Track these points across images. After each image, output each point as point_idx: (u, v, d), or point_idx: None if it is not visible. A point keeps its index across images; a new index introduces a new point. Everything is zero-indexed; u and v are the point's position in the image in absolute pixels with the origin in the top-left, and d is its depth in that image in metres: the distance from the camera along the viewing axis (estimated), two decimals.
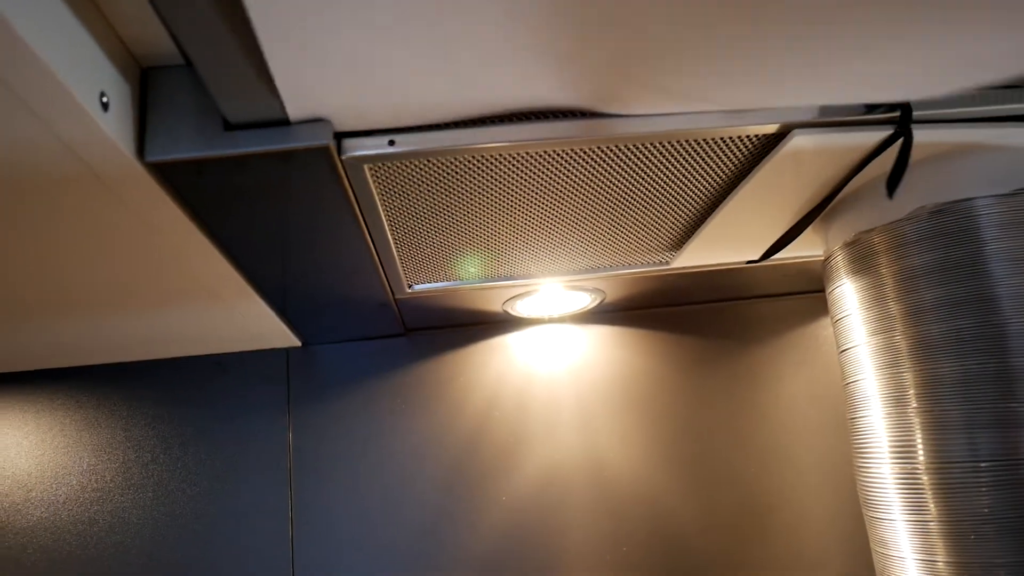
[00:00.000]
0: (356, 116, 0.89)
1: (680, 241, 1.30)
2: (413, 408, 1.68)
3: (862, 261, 1.13)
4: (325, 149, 0.89)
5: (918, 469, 1.04)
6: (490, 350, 1.71)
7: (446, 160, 0.99)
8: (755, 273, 1.54)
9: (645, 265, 1.41)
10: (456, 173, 1.02)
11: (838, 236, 1.18)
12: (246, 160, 0.89)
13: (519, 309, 1.61)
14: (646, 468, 1.66)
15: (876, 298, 1.11)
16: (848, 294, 1.16)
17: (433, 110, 0.90)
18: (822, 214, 1.18)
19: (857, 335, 1.14)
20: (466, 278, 1.16)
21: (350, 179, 0.99)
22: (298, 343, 1.69)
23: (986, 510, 0.99)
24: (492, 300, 1.55)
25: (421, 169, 1.01)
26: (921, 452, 1.04)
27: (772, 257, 1.39)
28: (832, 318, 1.23)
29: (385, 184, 1.04)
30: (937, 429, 1.03)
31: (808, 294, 1.76)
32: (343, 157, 0.93)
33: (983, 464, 1.00)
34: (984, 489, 1.00)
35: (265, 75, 0.78)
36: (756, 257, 1.39)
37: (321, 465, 1.64)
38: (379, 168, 0.99)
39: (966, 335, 1.02)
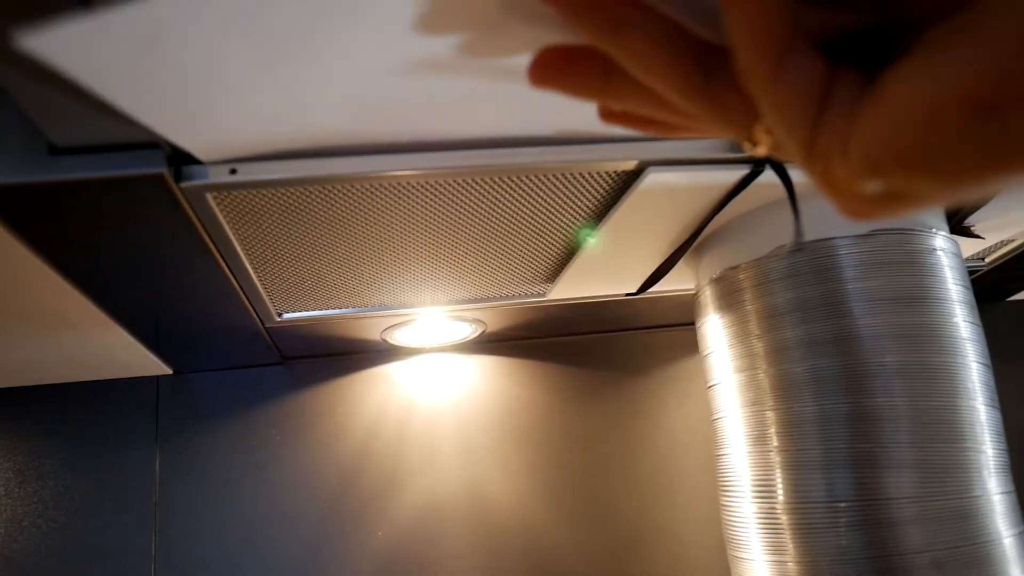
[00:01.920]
0: (202, 143, 0.84)
1: (554, 273, 1.28)
2: (290, 439, 1.62)
3: (729, 297, 1.13)
4: (159, 177, 0.84)
5: (777, 508, 1.03)
6: (370, 379, 1.67)
7: (298, 190, 0.95)
8: (637, 305, 1.53)
9: (522, 297, 1.38)
10: (312, 202, 0.98)
11: (706, 272, 1.18)
12: (75, 187, 0.84)
13: (399, 338, 1.57)
14: (527, 500, 1.63)
15: (741, 335, 1.11)
16: (715, 330, 1.16)
17: (285, 139, 0.86)
18: (691, 249, 1.18)
19: (722, 372, 1.14)
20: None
21: (194, 208, 0.94)
22: (169, 371, 1.62)
23: (843, 550, 0.99)
24: (370, 329, 1.51)
25: (273, 198, 0.97)
26: (781, 491, 1.03)
27: (650, 290, 1.38)
28: (701, 353, 1.23)
29: (235, 213, 0.99)
30: (796, 468, 1.02)
31: (691, 326, 1.76)
32: (182, 186, 0.88)
33: (841, 504, 1.00)
34: (842, 529, 0.99)
35: (92, 97, 0.73)
36: (634, 290, 1.38)
37: (190, 500, 1.57)
38: (225, 197, 0.94)
39: (825, 374, 1.02)
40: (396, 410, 1.65)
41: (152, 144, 0.83)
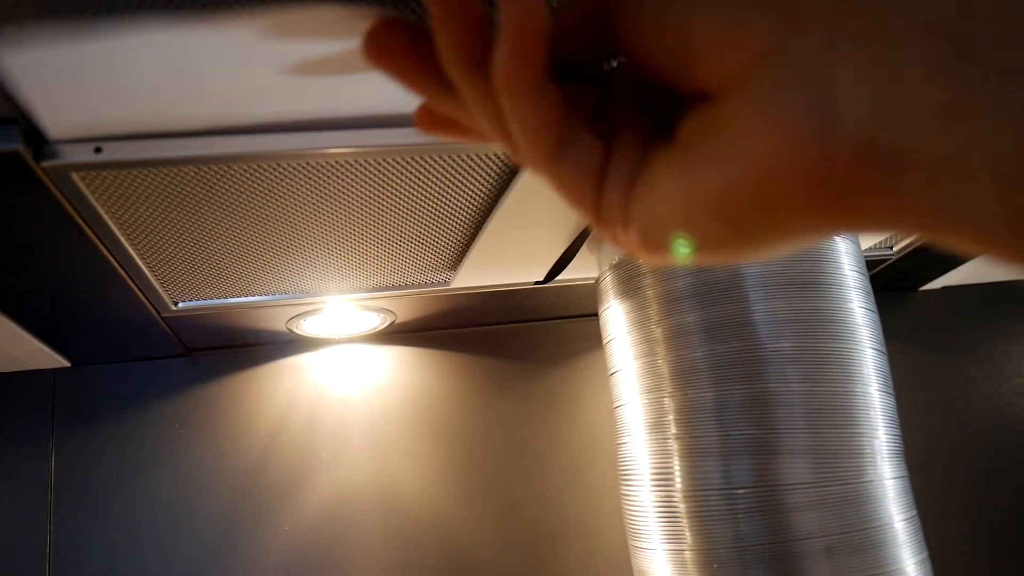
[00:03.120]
0: (65, 120, 0.79)
1: (456, 260, 1.25)
2: (194, 433, 1.56)
3: (629, 283, 1.12)
4: (15, 155, 0.80)
5: (675, 496, 1.02)
6: (279, 371, 1.62)
7: (176, 171, 0.91)
8: (547, 294, 1.51)
9: (428, 285, 1.35)
10: (193, 184, 0.94)
11: (607, 257, 1.16)
12: None
13: (306, 328, 1.53)
14: (439, 493, 1.60)
15: (641, 321, 1.09)
16: (616, 317, 1.14)
17: (155, 119, 0.81)
18: (591, 235, 1.16)
19: (622, 359, 1.12)
20: None
21: (60, 190, 0.89)
22: (66, 364, 1.55)
23: (740, 537, 0.98)
24: (275, 318, 1.46)
25: (150, 179, 0.92)
26: (678, 479, 1.02)
27: (560, 279, 1.36)
28: (603, 341, 1.21)
29: (110, 195, 0.94)
30: (693, 456, 1.01)
31: None
32: (44, 165, 0.83)
33: (738, 491, 0.99)
34: (739, 516, 0.99)
35: None
36: (541, 278, 1.36)
37: (88, 498, 1.51)
38: (94, 178, 0.90)
39: (722, 360, 1.01)
40: (305, 403, 1.61)
41: (7, 119, 0.78)
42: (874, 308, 1.07)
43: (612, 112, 0.31)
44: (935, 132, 0.21)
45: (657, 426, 1.05)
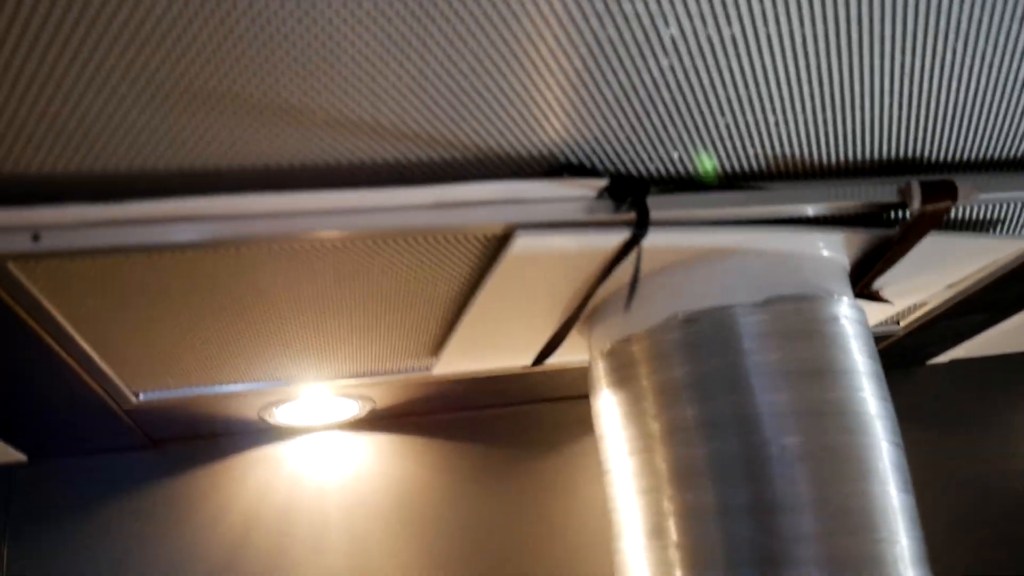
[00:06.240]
0: None
1: (437, 345, 1.18)
2: (158, 531, 1.46)
3: (622, 372, 1.03)
4: None
5: None
6: (250, 462, 1.52)
7: (122, 259, 0.83)
8: (537, 376, 1.42)
9: (408, 372, 1.27)
10: (143, 271, 0.86)
11: (598, 344, 1.08)
12: None
13: (279, 417, 1.44)
14: None
15: (636, 414, 1.01)
16: (608, 409, 1.06)
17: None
18: (581, 319, 1.08)
19: (616, 455, 1.03)
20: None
21: None
22: (22, 458, 1.45)
23: None
24: (245, 407, 1.37)
25: (97, 267, 0.84)
26: None
27: (549, 362, 1.28)
28: (596, 434, 1.12)
29: (53, 285, 0.87)
30: (696, 567, 0.91)
31: None
32: None
33: None
34: None
35: None
36: (529, 362, 1.28)
37: None
38: (33, 268, 0.82)
39: (725, 459, 0.92)
40: (279, 495, 1.51)
41: None
42: (888, 396, 0.99)
43: None
44: None
45: (656, 532, 0.96)
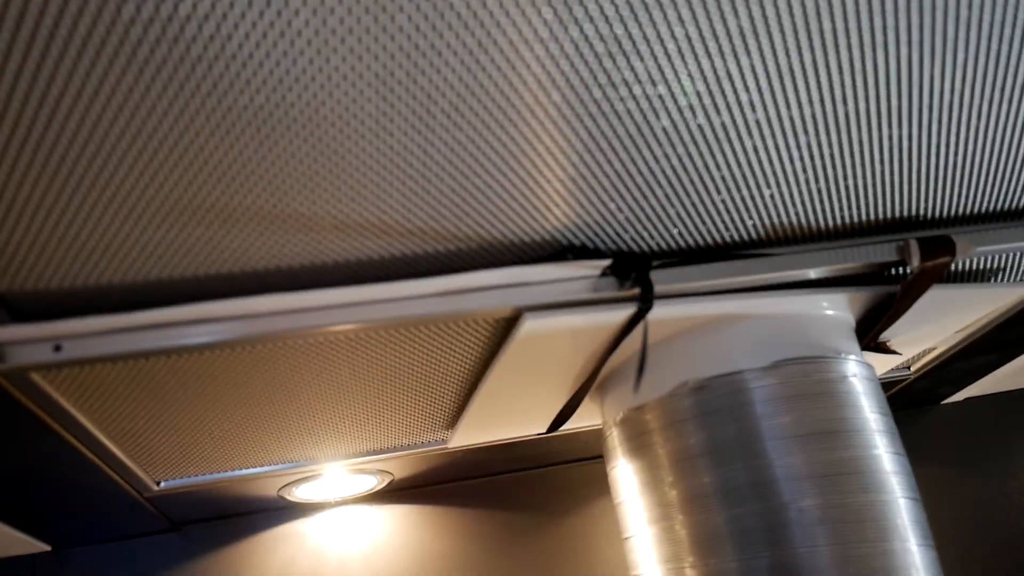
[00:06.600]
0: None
1: (452, 420, 1.19)
2: None
3: (637, 440, 1.04)
4: None
5: None
6: (273, 539, 1.52)
7: (143, 363, 0.85)
8: (552, 442, 1.43)
9: (424, 446, 1.28)
10: (161, 371, 0.88)
11: (611, 413, 1.09)
12: None
13: (299, 494, 1.44)
14: None
15: (653, 482, 1.01)
16: (625, 477, 1.06)
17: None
18: (593, 388, 1.09)
19: (636, 523, 1.04)
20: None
21: (21, 390, 0.83)
22: (46, 548, 1.46)
23: None
24: (266, 487, 1.38)
25: (117, 371, 0.86)
26: None
27: (564, 428, 1.29)
28: (614, 501, 1.12)
29: (76, 390, 0.89)
30: None
31: None
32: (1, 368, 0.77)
33: None
34: None
35: None
36: (544, 430, 1.29)
37: None
38: (56, 376, 0.84)
39: (745, 524, 0.93)
40: (303, 570, 1.51)
41: None
42: (902, 451, 0.99)
43: None
44: None
45: None
